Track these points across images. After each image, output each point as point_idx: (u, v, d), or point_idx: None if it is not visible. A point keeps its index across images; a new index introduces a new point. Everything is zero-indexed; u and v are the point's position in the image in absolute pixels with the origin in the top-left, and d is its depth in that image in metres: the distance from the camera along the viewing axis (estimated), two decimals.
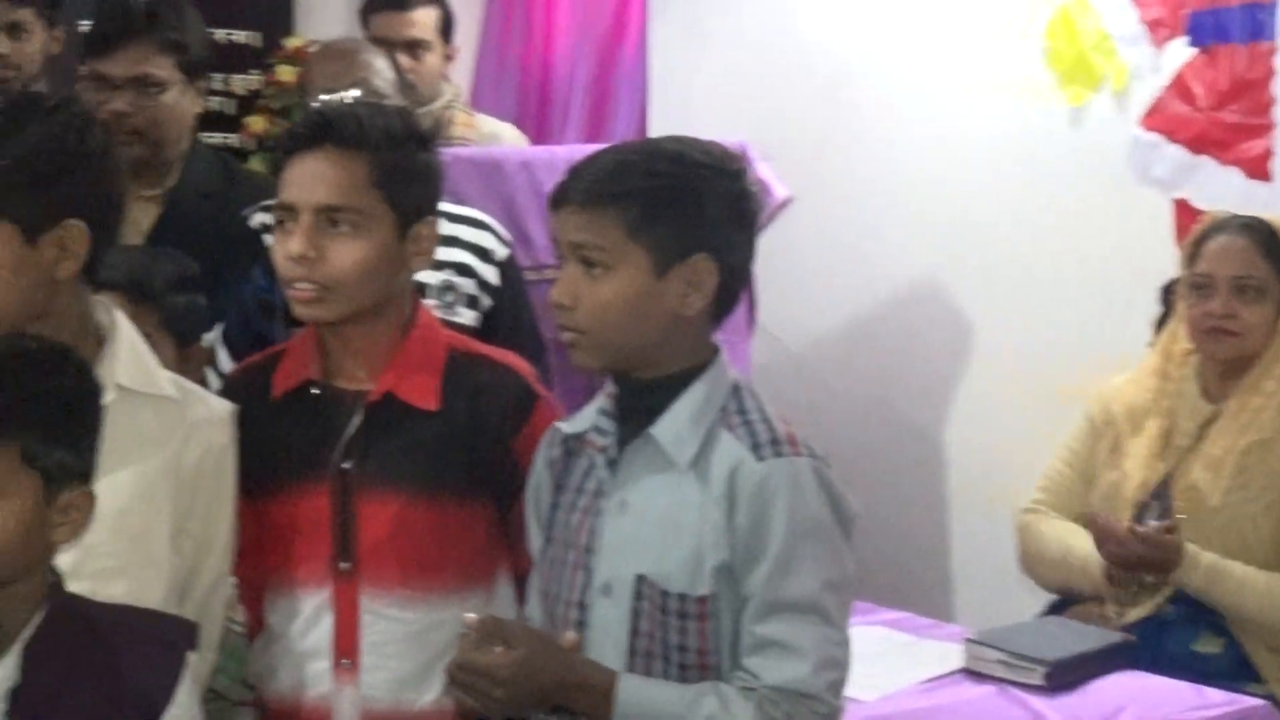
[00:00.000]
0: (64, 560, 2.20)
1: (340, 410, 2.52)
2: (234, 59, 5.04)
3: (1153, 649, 3.38)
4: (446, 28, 4.50)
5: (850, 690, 2.37)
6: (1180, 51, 4.27)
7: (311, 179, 2.46)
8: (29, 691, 2.10)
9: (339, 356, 2.54)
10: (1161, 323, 3.80)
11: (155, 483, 2.38)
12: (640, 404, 2.30)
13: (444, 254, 3.23)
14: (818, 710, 2.22)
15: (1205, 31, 4.24)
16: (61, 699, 2.10)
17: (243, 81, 5.08)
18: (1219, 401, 3.58)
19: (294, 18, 5.26)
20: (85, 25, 3.82)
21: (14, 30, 4.04)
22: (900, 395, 4.84)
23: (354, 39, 4.09)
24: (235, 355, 3.15)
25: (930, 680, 3.16)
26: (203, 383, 2.87)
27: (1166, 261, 3.97)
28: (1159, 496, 3.57)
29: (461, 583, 2.54)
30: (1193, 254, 3.60)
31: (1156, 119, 4.32)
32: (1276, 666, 3.44)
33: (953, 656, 3.23)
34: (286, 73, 4.93)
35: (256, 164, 4.59)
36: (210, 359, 3.21)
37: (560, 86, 5.45)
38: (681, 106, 5.15)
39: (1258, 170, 4.18)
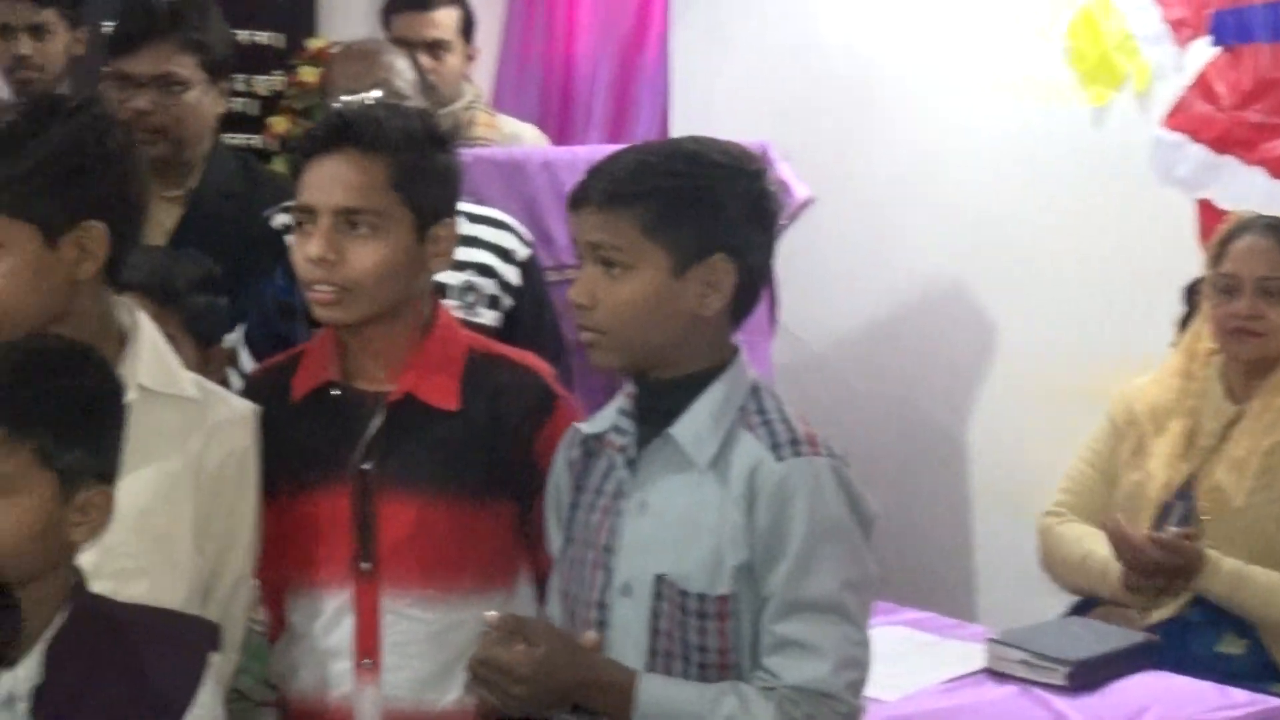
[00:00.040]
0: (85, 560, 2.20)
1: (360, 411, 2.53)
2: (257, 60, 5.05)
3: (1176, 649, 3.36)
4: (468, 28, 4.50)
5: (872, 690, 2.37)
6: (1203, 51, 4.26)
7: (330, 181, 2.47)
8: (52, 690, 2.10)
9: (359, 358, 2.55)
10: (1185, 322, 3.79)
11: (177, 483, 2.39)
12: (659, 404, 2.30)
13: (465, 254, 3.24)
14: (838, 710, 2.22)
15: (1228, 31, 4.22)
16: (84, 698, 2.11)
17: (265, 82, 5.09)
18: (1243, 402, 3.57)
19: (316, 19, 5.27)
20: (108, 26, 3.83)
21: (37, 31, 4.07)
22: (922, 395, 4.83)
23: (375, 40, 4.09)
24: (257, 356, 3.16)
25: (952, 680, 3.15)
26: (224, 383, 2.88)
27: (1189, 262, 3.95)
28: (1182, 497, 3.56)
29: (482, 583, 2.55)
30: (1218, 254, 3.59)
31: (1179, 119, 4.31)
32: None
33: (975, 656, 3.22)
34: (309, 74, 4.93)
35: (279, 165, 4.60)
36: (232, 360, 3.22)
37: (582, 87, 5.45)
38: (703, 107, 5.15)
39: None
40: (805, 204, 4.36)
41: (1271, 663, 3.43)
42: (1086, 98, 4.45)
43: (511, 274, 3.39)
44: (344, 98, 3.30)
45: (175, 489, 2.38)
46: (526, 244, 3.44)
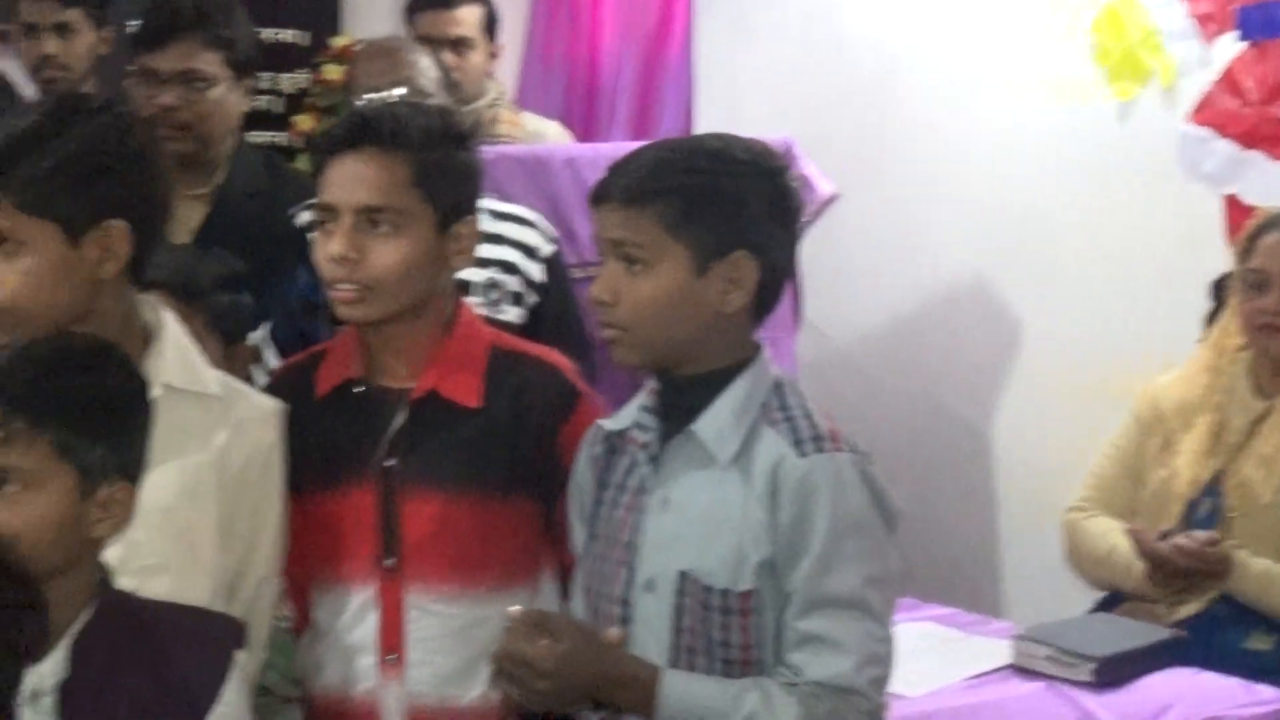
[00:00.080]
0: (109, 555, 2.21)
1: (383, 408, 2.54)
2: (282, 58, 5.06)
3: (1203, 645, 3.35)
4: (491, 26, 4.51)
5: (897, 686, 2.37)
6: (1229, 46, 4.24)
7: (351, 180, 2.47)
8: (77, 685, 2.11)
9: (381, 355, 2.55)
10: (1212, 318, 3.77)
11: (200, 481, 2.39)
12: (682, 401, 2.30)
13: (489, 252, 3.25)
14: (861, 706, 2.22)
15: (1255, 26, 4.21)
16: (108, 694, 2.12)
17: (290, 80, 5.10)
18: (1271, 397, 3.55)
19: (341, 17, 5.28)
20: (133, 25, 3.85)
21: (62, 30, 4.09)
22: (947, 391, 4.82)
23: (399, 37, 4.10)
24: (282, 354, 3.17)
25: (978, 676, 3.15)
26: (249, 381, 2.88)
27: (1216, 258, 3.94)
28: (1210, 494, 3.55)
29: (506, 579, 2.55)
30: (1246, 249, 3.57)
31: (1206, 114, 4.29)
32: None
33: (1001, 652, 3.22)
34: (333, 71, 4.95)
35: (304, 163, 4.61)
36: (257, 357, 3.22)
37: (606, 84, 5.45)
38: (727, 103, 5.15)
39: None
40: (830, 200, 4.35)
41: None
42: (1112, 93, 4.43)
43: (536, 271, 3.39)
44: (367, 95, 3.30)
45: (199, 486, 2.39)
46: (551, 241, 3.44)
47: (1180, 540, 3.44)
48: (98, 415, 2.14)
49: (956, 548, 4.73)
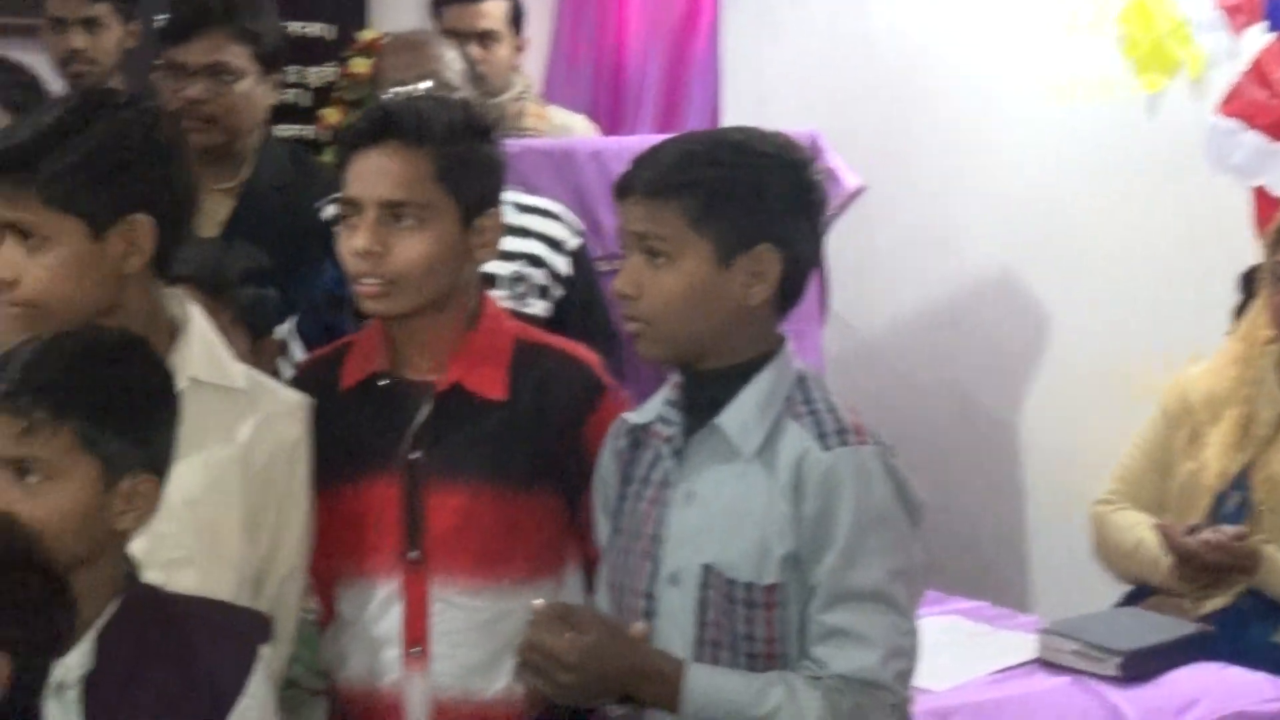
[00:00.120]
0: (134, 548, 2.22)
1: (408, 401, 2.54)
2: (309, 51, 5.07)
3: (1230, 640, 3.34)
4: (517, 19, 4.50)
5: (922, 680, 2.36)
6: (1258, 37, 4.22)
7: (374, 174, 2.48)
8: (102, 677, 2.12)
9: (406, 348, 2.56)
10: (1241, 311, 3.76)
11: (226, 475, 2.40)
12: (706, 394, 2.30)
13: (515, 245, 3.25)
14: (886, 700, 2.21)
15: None
16: (133, 687, 2.13)
17: (318, 74, 5.11)
18: None
19: (368, 10, 5.28)
20: (160, 19, 3.86)
21: (90, 25, 4.10)
22: (974, 384, 4.81)
23: (425, 31, 4.10)
24: (309, 347, 3.17)
25: (1003, 670, 3.14)
26: (276, 375, 2.89)
27: (1245, 250, 3.93)
28: (1238, 487, 3.54)
29: (530, 572, 2.55)
30: (1276, 241, 3.56)
31: (1234, 106, 4.27)
32: None
33: (1026, 647, 3.21)
34: (361, 65, 4.94)
35: (331, 156, 4.62)
36: (283, 351, 3.23)
37: (633, 77, 5.44)
38: (754, 96, 5.14)
39: None
40: (856, 193, 4.34)
41: None
42: (1140, 85, 4.42)
43: (562, 264, 3.39)
44: (393, 89, 3.30)
45: (224, 480, 2.40)
46: (576, 234, 3.44)
47: (1208, 535, 3.43)
48: (122, 407, 2.15)
49: (984, 540, 4.72)
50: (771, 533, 2.23)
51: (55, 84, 4.10)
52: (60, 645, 2.08)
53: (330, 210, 3.30)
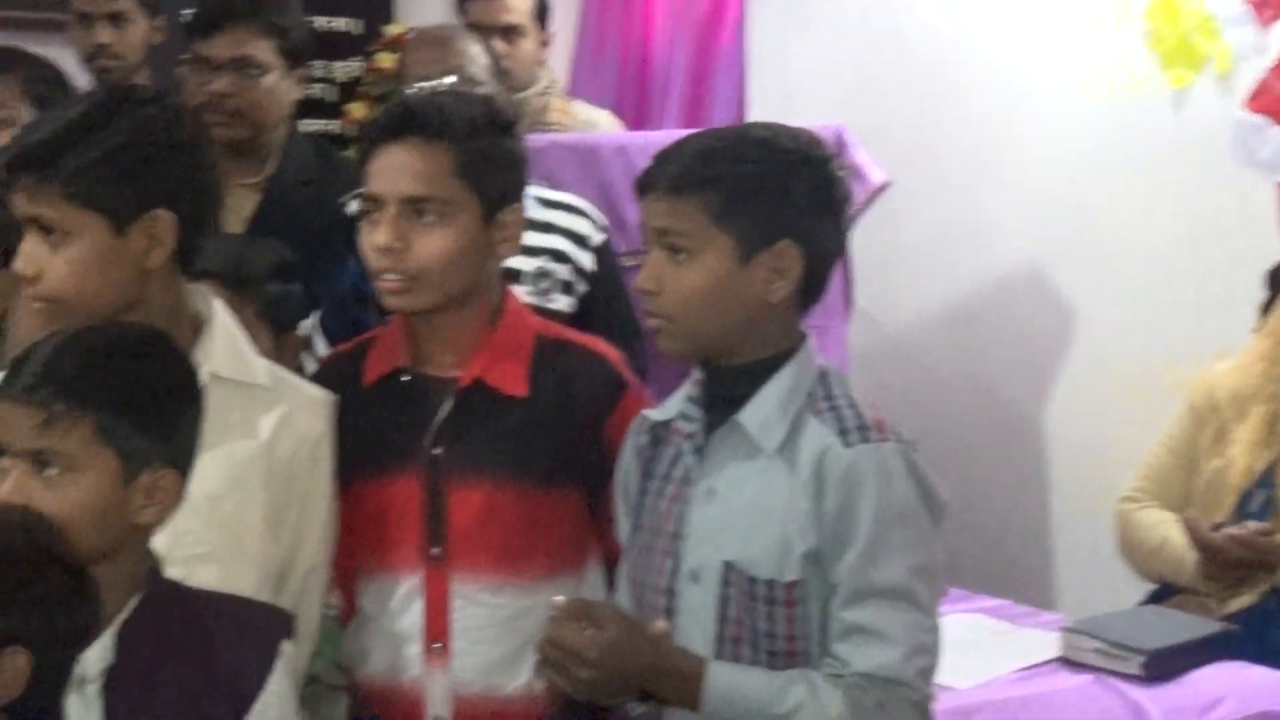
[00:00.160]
0: (156, 544, 2.22)
1: (430, 397, 2.54)
2: (335, 46, 5.08)
3: (1254, 639, 3.33)
4: (542, 13, 4.50)
5: (944, 678, 2.36)
6: None
7: (396, 170, 2.48)
8: (123, 673, 2.13)
9: (428, 344, 2.56)
10: (1268, 307, 3.74)
11: (247, 471, 2.40)
12: (727, 391, 2.30)
13: (539, 240, 3.25)
14: (908, 697, 2.21)
15: None
16: (154, 681, 2.13)
17: (344, 69, 5.12)
18: None
19: (394, 5, 5.29)
20: (186, 14, 3.87)
21: (116, 20, 4.10)
22: (1000, 380, 4.80)
23: (449, 25, 4.10)
24: (332, 342, 3.16)
25: (1026, 669, 3.13)
26: (299, 370, 2.89)
27: (1272, 246, 3.91)
28: (1264, 484, 3.52)
29: (552, 568, 2.55)
30: None
31: (1262, 101, 4.25)
32: None
33: (1049, 645, 3.20)
34: (386, 60, 4.96)
35: (355, 152, 4.62)
36: (307, 346, 3.23)
37: (659, 72, 5.44)
38: (780, 90, 5.13)
39: None
40: (881, 188, 4.33)
41: None
42: (1166, 80, 4.40)
43: (586, 259, 3.39)
44: (418, 84, 3.30)
45: (246, 476, 2.40)
46: (601, 229, 3.44)
47: (1233, 530, 3.42)
48: (141, 401, 2.15)
49: (1009, 537, 4.71)
50: (792, 530, 2.23)
51: (81, 79, 4.11)
52: (84, 640, 2.08)
53: (354, 205, 3.30)
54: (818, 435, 2.24)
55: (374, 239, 2.49)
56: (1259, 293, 3.81)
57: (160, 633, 2.16)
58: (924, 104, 4.87)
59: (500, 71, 3.57)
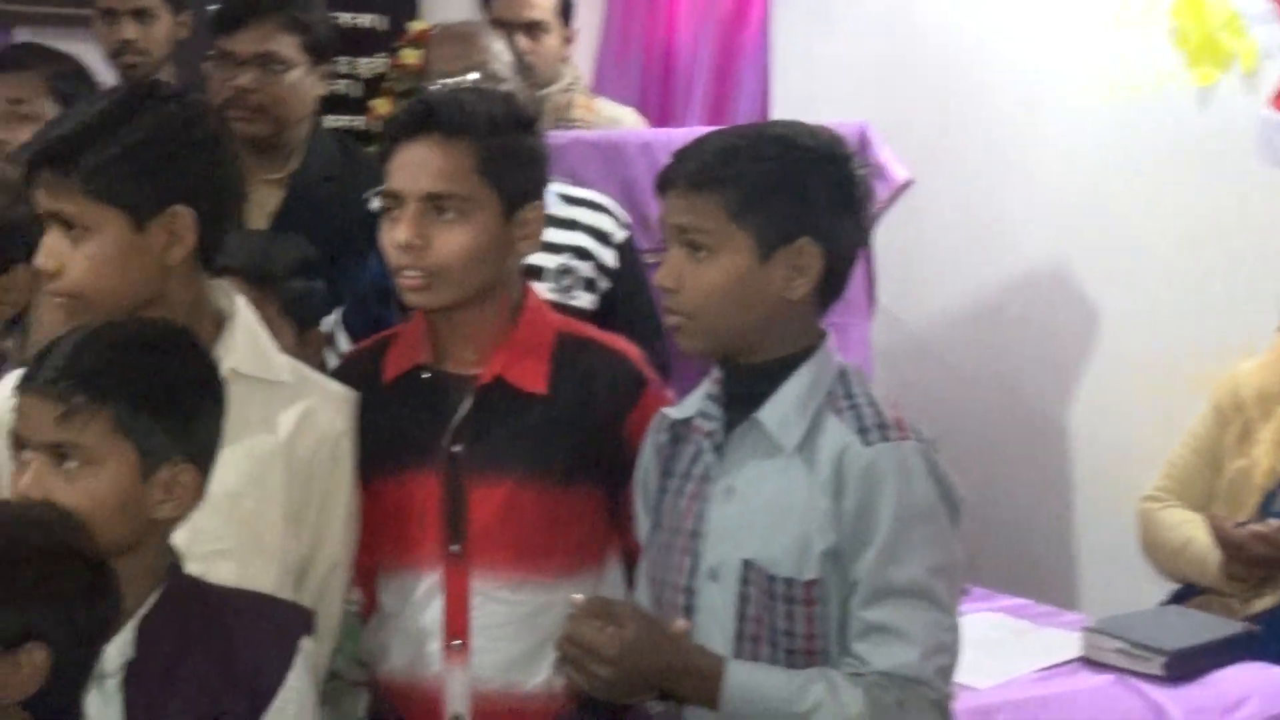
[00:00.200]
0: (176, 540, 2.22)
1: (450, 394, 2.54)
2: (359, 42, 5.09)
3: (1278, 640, 3.32)
4: (566, 10, 4.50)
5: (965, 677, 2.35)
6: None
7: (416, 167, 2.48)
8: (143, 667, 2.13)
9: (448, 341, 2.56)
10: None
11: (267, 467, 2.40)
12: (746, 389, 2.29)
13: (562, 237, 3.25)
14: (927, 696, 2.20)
15: None
16: (173, 676, 2.14)
17: (368, 65, 5.13)
18: None
19: (419, 1, 5.29)
20: (212, 10, 3.87)
21: (141, 15, 4.11)
22: (1023, 379, 4.79)
23: (473, 22, 4.10)
24: (355, 339, 3.17)
25: (1047, 668, 3.13)
26: (322, 367, 2.90)
27: None
28: None
29: (571, 566, 2.55)
30: None
31: None
32: None
33: (1071, 645, 3.20)
34: (411, 56, 4.96)
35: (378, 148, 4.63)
36: (330, 343, 3.24)
37: (683, 70, 5.43)
38: (804, 88, 5.13)
39: None
40: (905, 186, 4.32)
41: None
42: (1192, 78, 4.38)
43: (608, 257, 3.39)
44: (442, 80, 3.30)
45: (266, 473, 2.40)
46: (623, 226, 3.44)
47: (1257, 526, 3.41)
48: (160, 395, 2.15)
49: (1032, 536, 4.70)
50: (812, 528, 2.22)
51: (106, 75, 4.12)
52: (104, 635, 2.09)
53: (378, 202, 3.31)
54: (837, 433, 2.23)
55: (394, 236, 2.49)
56: None
57: (180, 628, 2.16)
58: (948, 102, 4.86)
59: (524, 68, 3.56)
